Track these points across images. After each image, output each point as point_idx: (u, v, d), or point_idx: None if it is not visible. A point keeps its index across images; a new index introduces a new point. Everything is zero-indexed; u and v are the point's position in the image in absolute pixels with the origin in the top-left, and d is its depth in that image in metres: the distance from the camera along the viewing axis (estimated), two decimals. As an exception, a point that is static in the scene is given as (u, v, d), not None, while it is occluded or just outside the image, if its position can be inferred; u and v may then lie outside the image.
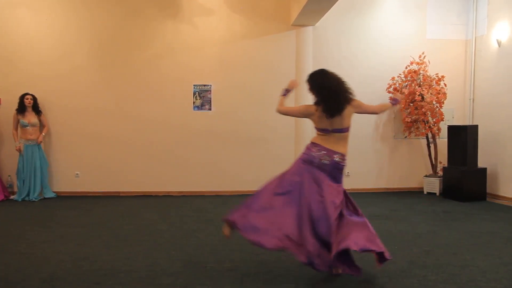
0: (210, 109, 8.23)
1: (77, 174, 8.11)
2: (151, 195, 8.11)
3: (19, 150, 7.59)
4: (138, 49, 8.09)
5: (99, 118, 8.06)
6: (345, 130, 3.77)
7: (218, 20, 8.20)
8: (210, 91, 8.20)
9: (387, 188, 8.59)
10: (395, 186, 8.59)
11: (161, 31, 8.11)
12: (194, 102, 8.20)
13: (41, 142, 7.76)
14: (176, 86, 8.15)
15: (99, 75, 8.06)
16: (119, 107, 8.08)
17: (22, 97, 7.58)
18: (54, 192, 7.93)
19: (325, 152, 3.75)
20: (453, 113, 8.61)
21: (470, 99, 8.46)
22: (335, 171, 3.76)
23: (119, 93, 8.08)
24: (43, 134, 7.78)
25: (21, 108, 7.59)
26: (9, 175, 7.98)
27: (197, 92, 8.20)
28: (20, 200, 7.54)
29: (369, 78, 8.35)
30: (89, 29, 8.02)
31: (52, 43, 7.98)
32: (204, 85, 8.20)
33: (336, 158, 3.74)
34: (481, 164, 7.79)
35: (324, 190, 3.65)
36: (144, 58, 8.09)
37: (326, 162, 3.73)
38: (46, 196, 7.74)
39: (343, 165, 3.79)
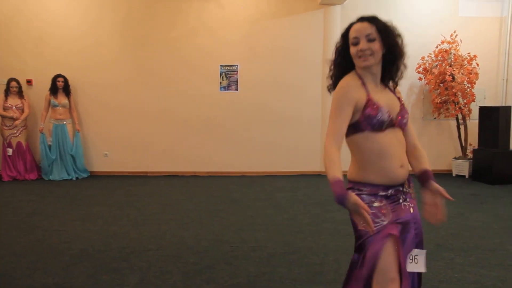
0: (236, 90, 8.21)
1: (106, 154, 8.26)
2: (178, 175, 8.21)
3: (41, 131, 7.81)
4: (164, 28, 8.09)
5: (127, 99, 8.14)
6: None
7: (244, -1, 8.14)
8: (237, 71, 8.18)
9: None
10: (423, 168, 8.45)
11: (187, 11, 8.07)
12: (220, 83, 8.20)
13: (79, 130, 8.00)
14: (202, 66, 8.14)
15: (126, 55, 8.09)
16: (146, 88, 8.14)
17: (54, 79, 7.75)
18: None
19: None
20: (485, 94, 8.36)
21: (503, 79, 8.19)
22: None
23: (146, 74, 8.13)
24: (77, 122, 7.99)
25: (53, 89, 7.77)
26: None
27: (223, 73, 8.19)
28: (46, 179, 7.76)
29: (398, 58, 8.17)
30: (116, 8, 8.02)
31: (79, 22, 8.05)
32: (231, 65, 8.18)
33: None
34: (513, 146, 7.60)
35: None
36: (170, 38, 8.09)
37: None
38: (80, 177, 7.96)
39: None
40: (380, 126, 2.01)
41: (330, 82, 2.21)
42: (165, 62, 8.13)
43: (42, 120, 7.86)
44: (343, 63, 2.14)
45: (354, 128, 2.03)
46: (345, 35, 2.11)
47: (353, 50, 2.03)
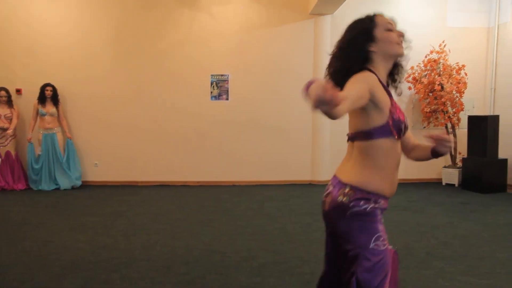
0: (227, 99, 8.22)
1: (96, 164, 8.21)
2: (169, 185, 8.17)
3: (29, 140, 7.74)
4: (155, 38, 8.09)
5: (117, 108, 8.11)
6: (355, 135, 1.94)
7: (235, 9, 8.16)
8: (228, 81, 8.19)
9: (405, 179, 8.49)
10: (413, 177, 8.49)
11: (178, 20, 8.10)
12: (211, 92, 8.20)
13: (70, 137, 7.94)
14: (193, 76, 8.15)
15: (117, 65, 8.09)
16: (136, 98, 8.12)
17: (43, 88, 7.70)
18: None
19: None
20: (474, 103, 8.45)
21: (491, 88, 8.29)
22: (331, 223, 1.98)
23: (137, 83, 8.12)
24: (67, 130, 7.93)
25: (42, 98, 7.72)
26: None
27: (214, 82, 8.20)
28: (35, 189, 7.69)
29: (387, 68, 8.25)
30: (106, 18, 8.02)
31: (69, 32, 8.02)
32: (222, 75, 8.20)
33: (334, 192, 1.93)
34: (501, 155, 7.65)
35: None
36: (161, 48, 8.10)
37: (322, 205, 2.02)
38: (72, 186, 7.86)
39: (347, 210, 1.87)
40: (404, 133, 1.93)
41: (329, 78, 1.94)
42: (156, 71, 8.12)
43: (30, 129, 7.80)
44: (354, 55, 1.89)
45: (382, 132, 1.85)
46: (370, 21, 1.93)
47: (392, 35, 1.91)
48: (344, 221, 1.88)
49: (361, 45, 1.90)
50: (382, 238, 1.87)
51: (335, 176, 1.98)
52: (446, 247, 4.35)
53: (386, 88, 1.91)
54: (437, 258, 4.02)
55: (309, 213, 5.84)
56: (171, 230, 5.01)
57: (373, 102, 1.81)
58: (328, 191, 1.98)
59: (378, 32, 1.90)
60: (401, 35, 1.93)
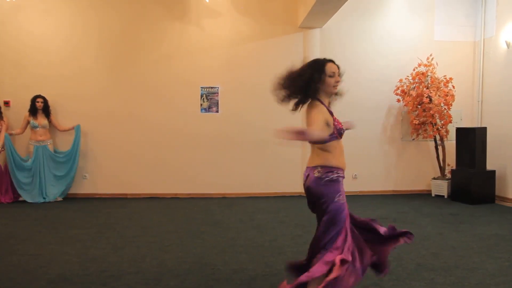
0: (217, 111, 8.23)
1: (85, 176, 8.14)
2: (158, 197, 8.12)
3: (10, 134, 7.65)
4: (145, 51, 8.11)
5: (106, 120, 8.09)
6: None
7: (225, 22, 8.21)
8: (218, 93, 8.21)
9: (395, 191, 8.55)
10: (403, 189, 8.54)
11: (168, 33, 8.13)
12: (201, 104, 8.21)
13: (76, 125, 7.89)
14: (183, 88, 8.17)
15: (106, 77, 8.08)
16: (126, 109, 8.11)
17: (33, 100, 7.65)
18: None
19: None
20: (461, 115, 8.55)
21: (478, 101, 8.40)
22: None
23: (126, 95, 8.11)
24: (71, 126, 7.89)
25: (33, 110, 7.67)
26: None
27: (204, 94, 8.21)
28: (21, 199, 7.62)
29: (376, 81, 8.33)
30: (96, 30, 8.04)
31: (59, 44, 8.02)
32: (212, 87, 8.21)
33: (311, 173, 3.03)
34: (489, 166, 7.73)
35: None
36: (151, 60, 8.11)
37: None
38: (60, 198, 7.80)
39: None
40: (343, 134, 3.05)
41: (294, 99, 3.09)
42: (146, 84, 8.12)
43: (15, 131, 7.72)
44: (305, 88, 2.95)
45: (331, 138, 2.94)
46: (320, 69, 2.93)
47: (331, 80, 2.94)
48: (321, 186, 2.94)
49: (314, 81, 2.92)
50: (342, 196, 2.96)
51: (307, 168, 3.07)
52: (436, 259, 4.36)
53: (329, 110, 2.98)
54: (428, 269, 4.03)
55: (299, 224, 5.84)
56: (161, 243, 4.97)
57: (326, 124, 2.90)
58: (306, 174, 3.07)
59: (324, 76, 2.93)
60: (338, 81, 2.97)
